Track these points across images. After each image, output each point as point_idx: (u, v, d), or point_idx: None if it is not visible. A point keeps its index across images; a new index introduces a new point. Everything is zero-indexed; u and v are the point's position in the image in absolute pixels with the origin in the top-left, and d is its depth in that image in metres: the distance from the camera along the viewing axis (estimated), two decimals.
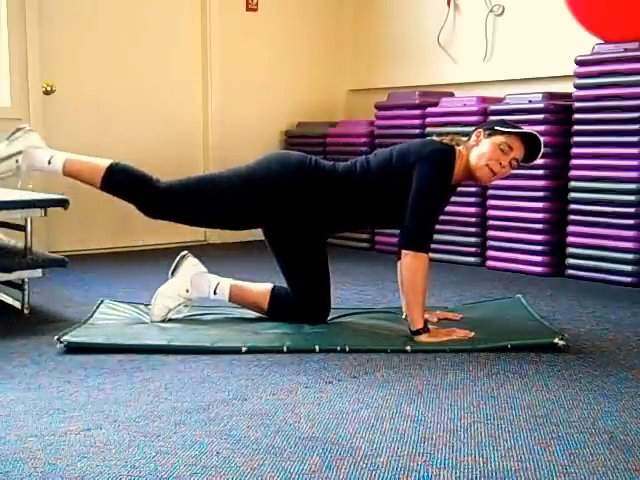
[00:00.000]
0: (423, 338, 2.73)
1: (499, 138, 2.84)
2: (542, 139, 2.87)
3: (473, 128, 3.01)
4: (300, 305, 2.96)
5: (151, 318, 3.00)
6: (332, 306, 3.04)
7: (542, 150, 2.86)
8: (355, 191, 2.87)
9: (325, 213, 2.91)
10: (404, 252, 2.75)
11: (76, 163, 2.89)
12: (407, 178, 2.79)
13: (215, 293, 3.01)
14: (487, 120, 4.42)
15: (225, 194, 2.88)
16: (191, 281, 3.00)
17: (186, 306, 3.04)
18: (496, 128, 2.86)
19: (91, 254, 4.95)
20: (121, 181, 2.89)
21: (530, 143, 2.85)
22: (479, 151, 2.85)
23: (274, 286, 3.02)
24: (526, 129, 2.89)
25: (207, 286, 3.01)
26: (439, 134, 3.02)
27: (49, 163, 2.85)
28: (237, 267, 4.25)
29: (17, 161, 2.83)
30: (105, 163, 2.89)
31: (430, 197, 2.77)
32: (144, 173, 2.91)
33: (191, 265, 3.04)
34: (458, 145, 2.90)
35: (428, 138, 3.02)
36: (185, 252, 3.10)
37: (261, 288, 3.02)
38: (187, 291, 3.01)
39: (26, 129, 2.90)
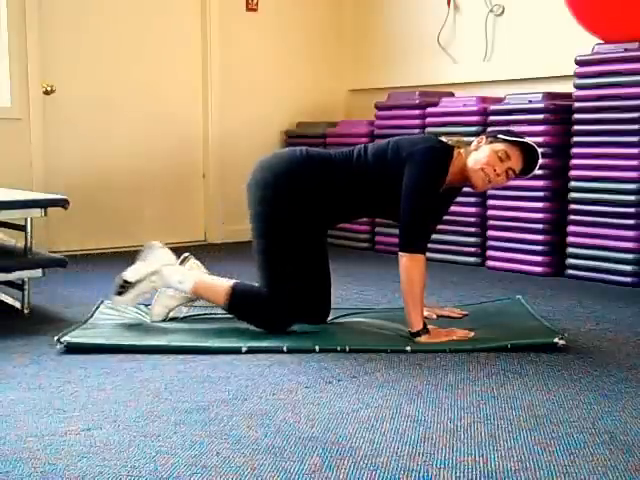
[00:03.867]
0: (423, 339, 2.73)
1: (499, 145, 2.83)
2: (540, 152, 2.85)
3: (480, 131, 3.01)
4: (300, 305, 2.95)
5: (151, 318, 3.00)
6: (332, 306, 3.03)
7: (539, 163, 2.85)
8: (352, 180, 2.86)
9: (325, 203, 2.89)
10: (400, 254, 2.75)
11: (202, 287, 2.91)
12: (399, 171, 2.79)
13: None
14: (487, 121, 4.43)
15: (285, 230, 2.85)
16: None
17: (186, 306, 3.05)
18: (499, 136, 2.86)
19: (91, 254, 4.95)
20: (242, 305, 2.88)
21: (530, 156, 2.84)
22: (477, 155, 2.84)
23: (236, 282, 2.96)
24: (528, 140, 2.87)
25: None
26: (447, 134, 3.01)
27: (179, 283, 2.92)
28: (237, 267, 4.24)
29: (152, 281, 2.94)
30: (228, 284, 2.88)
31: (421, 197, 2.76)
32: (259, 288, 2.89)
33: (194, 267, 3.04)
34: (460, 147, 2.89)
35: (428, 135, 2.99)
36: (187, 254, 3.09)
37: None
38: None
39: (160, 246, 3.02)
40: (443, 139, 2.93)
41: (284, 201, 2.85)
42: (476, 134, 4.27)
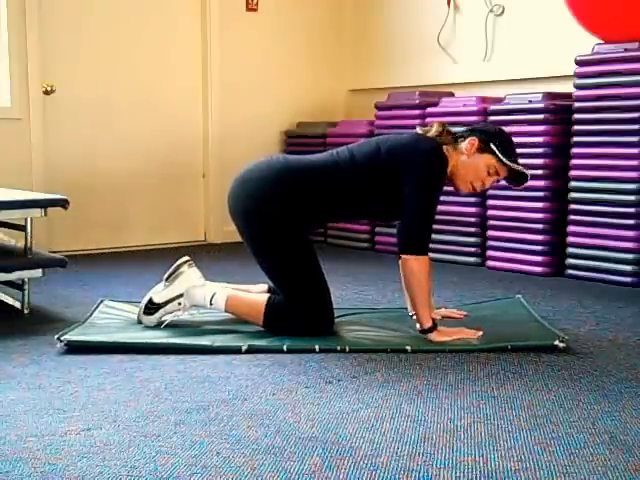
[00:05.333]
0: (433, 336, 2.73)
1: (491, 160, 2.82)
2: (529, 176, 2.87)
3: (469, 128, 2.95)
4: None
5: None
6: (332, 306, 3.02)
7: (526, 183, 2.88)
8: (341, 184, 2.82)
9: (315, 209, 2.85)
10: (405, 256, 2.74)
11: (235, 305, 2.89)
12: (397, 174, 2.77)
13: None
14: (486, 122, 4.42)
15: (297, 250, 2.83)
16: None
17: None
18: (491, 145, 2.81)
19: (91, 254, 4.95)
20: (279, 320, 2.84)
21: (517, 174, 2.85)
22: (468, 166, 2.83)
23: (269, 297, 2.92)
24: (520, 167, 2.83)
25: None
26: (424, 126, 2.97)
27: (210, 304, 2.91)
28: (237, 267, 4.25)
29: (180, 303, 2.93)
30: (263, 299, 2.86)
31: (426, 200, 2.75)
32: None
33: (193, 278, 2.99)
34: (446, 144, 2.85)
35: (415, 133, 2.93)
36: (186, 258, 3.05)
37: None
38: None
39: (189, 263, 2.97)
40: (419, 131, 2.92)
41: (279, 214, 2.80)
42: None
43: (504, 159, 2.81)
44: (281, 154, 2.94)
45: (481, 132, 2.88)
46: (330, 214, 2.96)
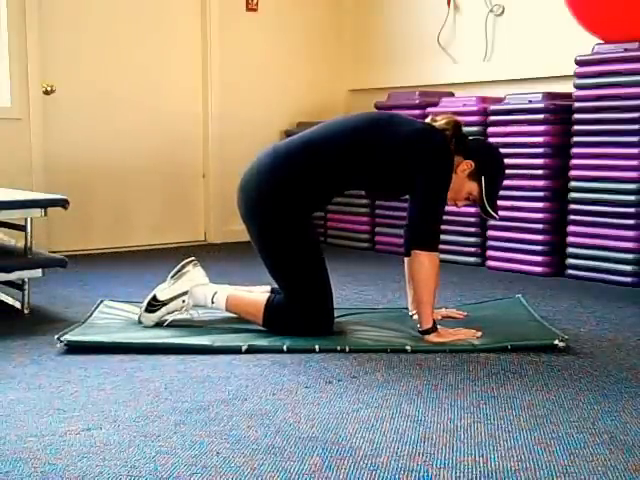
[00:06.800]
0: (431, 338, 2.73)
1: (475, 190, 2.86)
2: (495, 219, 2.97)
3: (477, 144, 2.95)
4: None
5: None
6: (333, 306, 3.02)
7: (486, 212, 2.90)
8: (342, 158, 2.81)
9: (312, 188, 2.84)
10: (416, 252, 2.74)
11: (235, 304, 2.92)
12: (406, 157, 2.77)
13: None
14: (487, 121, 4.42)
15: (302, 249, 2.84)
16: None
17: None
18: (482, 178, 2.83)
19: (91, 254, 4.95)
20: (279, 319, 2.84)
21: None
22: (453, 184, 2.83)
23: (269, 297, 2.92)
24: (492, 212, 2.87)
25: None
26: (434, 116, 2.96)
27: (212, 302, 2.93)
28: (237, 267, 4.25)
29: (183, 301, 2.95)
30: (263, 298, 2.88)
31: (439, 197, 2.77)
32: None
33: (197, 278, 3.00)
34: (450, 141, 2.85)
35: (426, 124, 2.90)
36: (191, 259, 3.06)
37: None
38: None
39: (194, 263, 3.01)
40: (428, 120, 2.91)
41: (280, 207, 2.80)
42: (477, 134, 4.28)
43: (484, 198, 2.85)
44: (272, 145, 2.93)
45: (482, 159, 2.88)
46: (332, 186, 2.91)
